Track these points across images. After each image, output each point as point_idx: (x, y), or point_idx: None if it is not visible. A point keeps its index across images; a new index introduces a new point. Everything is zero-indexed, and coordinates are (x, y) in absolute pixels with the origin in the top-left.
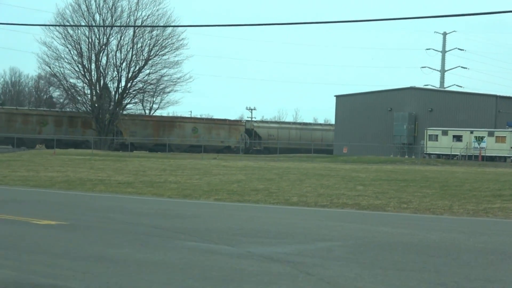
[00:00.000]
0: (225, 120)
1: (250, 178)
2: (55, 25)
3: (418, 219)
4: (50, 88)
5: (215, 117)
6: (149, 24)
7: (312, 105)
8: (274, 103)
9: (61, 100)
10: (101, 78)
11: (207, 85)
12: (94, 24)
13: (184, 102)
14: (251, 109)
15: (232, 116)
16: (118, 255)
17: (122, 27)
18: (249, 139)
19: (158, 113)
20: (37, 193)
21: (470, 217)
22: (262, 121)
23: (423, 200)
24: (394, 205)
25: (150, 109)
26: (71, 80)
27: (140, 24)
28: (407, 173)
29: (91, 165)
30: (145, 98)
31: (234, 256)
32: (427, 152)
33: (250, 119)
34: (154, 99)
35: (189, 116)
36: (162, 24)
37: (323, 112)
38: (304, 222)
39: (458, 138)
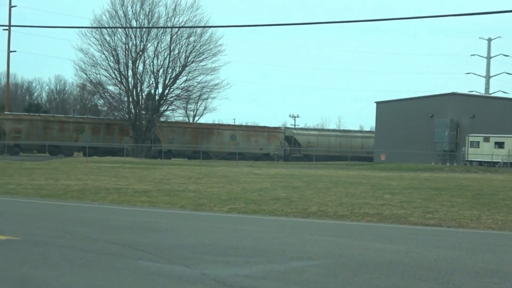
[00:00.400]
0: (264, 127)
1: (276, 186)
2: (95, 27)
3: (429, 233)
4: (95, 96)
5: (260, 125)
6: (186, 31)
7: (356, 112)
8: (317, 111)
9: (105, 108)
10: (138, 85)
11: (251, 92)
12: (131, 32)
13: (227, 110)
14: (294, 117)
15: (276, 123)
16: (45, 278)
17: (159, 34)
18: (289, 147)
19: (203, 120)
20: (28, 204)
21: (494, 230)
22: (301, 128)
23: (450, 210)
24: (418, 215)
25: (194, 116)
26: (109, 87)
27: (177, 31)
28: (442, 181)
29: (116, 173)
30: (187, 106)
31: (182, 279)
32: (469, 159)
33: (293, 126)
34: (198, 106)
35: (228, 123)
36: (199, 31)
37: (367, 119)
38: (292, 237)
39: (500, 144)
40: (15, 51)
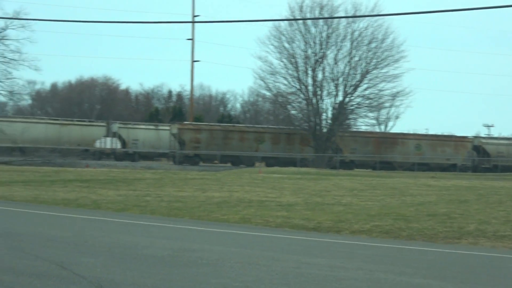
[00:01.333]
0: (450, 136)
1: (441, 199)
2: (289, 20)
3: None
4: (288, 107)
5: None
6: (367, 37)
7: None
8: None
9: (296, 119)
10: (318, 93)
11: (441, 101)
12: (310, 39)
13: (414, 119)
14: (489, 126)
15: (469, 133)
16: None
17: (338, 41)
18: (477, 156)
19: (397, 129)
20: (103, 223)
21: None
22: (490, 137)
23: None
24: None
25: (386, 126)
26: (289, 96)
27: (357, 36)
28: None
29: (276, 184)
30: (379, 114)
31: None
32: None
33: (486, 135)
34: (388, 114)
35: (413, 132)
36: (380, 37)
37: None
38: (363, 277)
39: None
40: (198, 61)
